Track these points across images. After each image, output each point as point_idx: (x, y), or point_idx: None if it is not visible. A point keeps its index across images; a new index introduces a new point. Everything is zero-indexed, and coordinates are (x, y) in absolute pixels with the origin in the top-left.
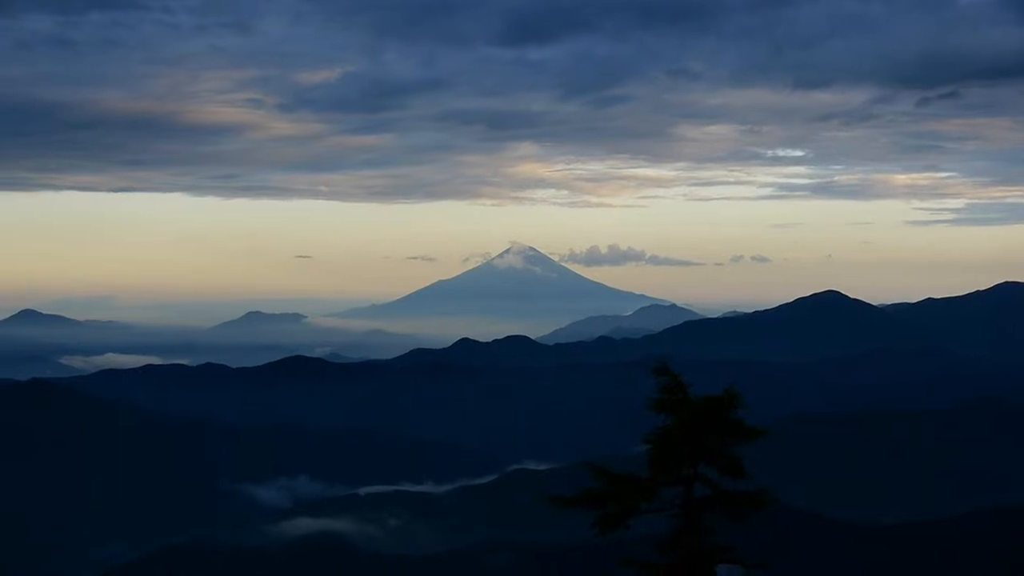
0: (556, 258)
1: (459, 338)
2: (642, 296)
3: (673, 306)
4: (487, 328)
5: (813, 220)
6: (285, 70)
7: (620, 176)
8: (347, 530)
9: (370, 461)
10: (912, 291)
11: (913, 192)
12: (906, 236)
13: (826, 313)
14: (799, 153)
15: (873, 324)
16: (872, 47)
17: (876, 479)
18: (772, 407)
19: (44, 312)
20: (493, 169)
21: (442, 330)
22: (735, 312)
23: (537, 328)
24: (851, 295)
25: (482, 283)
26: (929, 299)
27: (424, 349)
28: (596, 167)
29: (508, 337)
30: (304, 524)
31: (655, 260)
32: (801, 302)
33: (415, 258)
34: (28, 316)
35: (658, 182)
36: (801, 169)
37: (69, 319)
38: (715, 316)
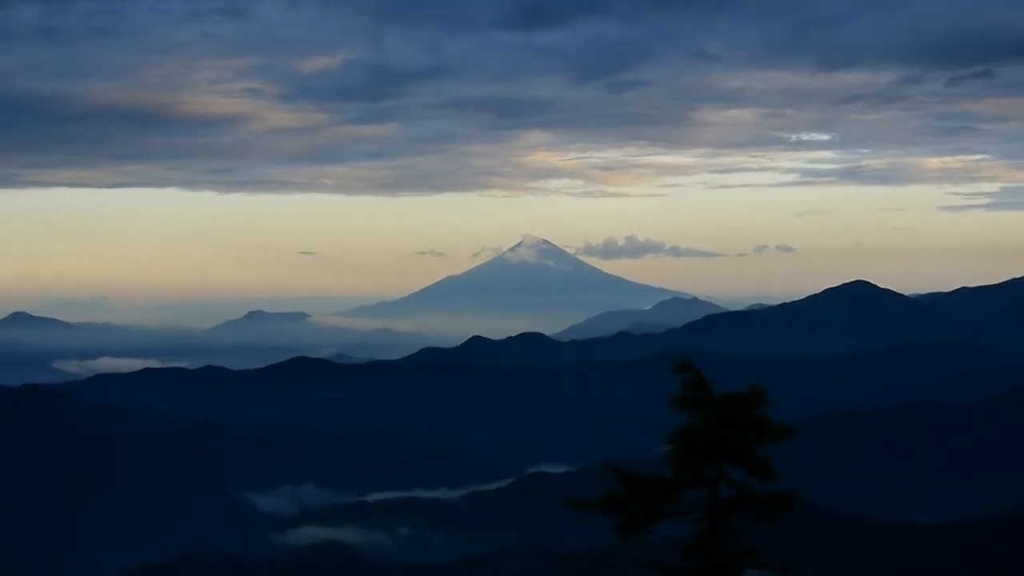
0: (571, 251)
1: (470, 336)
2: (662, 289)
3: (695, 299)
4: (499, 325)
5: (840, 207)
6: (283, 58)
7: (637, 164)
8: (356, 539)
9: (379, 467)
10: (945, 280)
11: (945, 176)
12: (938, 222)
13: (855, 304)
14: (824, 137)
15: (904, 315)
16: (899, 24)
17: (910, 477)
18: (799, 404)
19: (35, 315)
20: (503, 159)
21: (452, 328)
22: (759, 305)
23: (552, 324)
24: (881, 285)
25: (494, 278)
26: (963, 288)
27: (433, 348)
28: (611, 155)
29: (522, 334)
30: (311, 532)
31: (675, 251)
32: (829, 293)
33: (423, 253)
34: (19, 319)
35: (677, 170)
36: (827, 154)
37: (62, 321)
38: (738, 309)
